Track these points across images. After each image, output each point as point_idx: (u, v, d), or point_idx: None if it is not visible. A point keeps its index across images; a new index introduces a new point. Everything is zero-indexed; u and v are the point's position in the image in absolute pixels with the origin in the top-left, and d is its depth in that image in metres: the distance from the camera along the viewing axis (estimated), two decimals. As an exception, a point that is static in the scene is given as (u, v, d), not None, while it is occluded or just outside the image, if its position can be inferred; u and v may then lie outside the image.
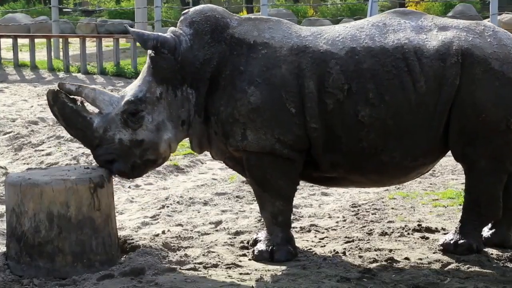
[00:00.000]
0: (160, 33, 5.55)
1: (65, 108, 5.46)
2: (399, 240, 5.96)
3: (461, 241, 5.52)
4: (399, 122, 5.32)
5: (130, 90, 5.54)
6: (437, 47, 5.37)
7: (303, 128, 5.36)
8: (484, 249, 5.66)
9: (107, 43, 20.89)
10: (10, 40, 19.75)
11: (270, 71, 5.39)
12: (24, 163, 8.96)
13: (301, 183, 8.16)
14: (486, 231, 5.80)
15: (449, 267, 5.30)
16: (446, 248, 5.57)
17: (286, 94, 5.35)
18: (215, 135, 5.50)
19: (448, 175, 8.67)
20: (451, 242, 5.56)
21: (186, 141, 5.96)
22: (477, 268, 5.27)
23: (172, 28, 5.63)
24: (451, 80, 5.32)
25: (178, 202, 7.32)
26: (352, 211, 6.89)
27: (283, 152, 5.38)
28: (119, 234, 5.71)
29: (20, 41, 19.94)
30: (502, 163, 5.44)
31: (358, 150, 5.38)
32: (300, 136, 5.37)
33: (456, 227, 5.66)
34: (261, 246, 5.52)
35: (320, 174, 5.62)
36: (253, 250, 5.55)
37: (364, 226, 6.36)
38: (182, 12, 5.75)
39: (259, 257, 5.46)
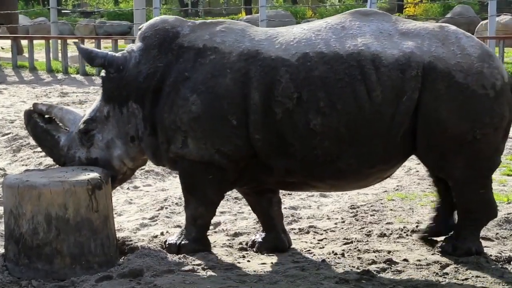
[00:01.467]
0: (110, 52, 5.64)
1: (37, 128, 5.74)
2: (397, 242, 5.96)
3: (460, 244, 5.51)
4: (353, 131, 5.21)
5: (89, 108, 5.69)
6: (397, 57, 5.21)
7: (245, 139, 5.29)
8: (483, 251, 5.66)
9: (106, 44, 20.90)
10: (9, 41, 19.75)
11: (215, 79, 5.30)
12: (23, 165, 8.95)
13: (300, 184, 8.18)
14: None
15: (448, 268, 5.29)
16: (446, 251, 5.57)
17: (228, 105, 5.26)
18: (161, 145, 5.46)
19: (446, 176, 8.66)
20: (450, 245, 5.55)
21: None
22: (475, 270, 5.27)
23: (130, 45, 5.70)
24: (409, 93, 5.18)
25: (176, 204, 7.30)
26: (351, 213, 6.89)
27: (222, 162, 5.35)
28: (117, 235, 5.71)
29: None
30: (477, 171, 5.37)
31: (313, 157, 5.28)
32: (241, 146, 5.31)
33: (454, 231, 5.66)
34: (172, 239, 5.61)
35: (278, 179, 5.53)
36: (165, 241, 5.65)
37: (363, 228, 6.36)
38: (138, 28, 5.79)
39: (168, 250, 5.54)
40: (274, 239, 5.73)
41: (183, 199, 7.36)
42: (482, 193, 5.43)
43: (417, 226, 6.29)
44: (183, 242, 5.54)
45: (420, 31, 5.36)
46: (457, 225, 5.61)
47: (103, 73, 5.58)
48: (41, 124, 5.71)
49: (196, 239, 5.57)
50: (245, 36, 5.45)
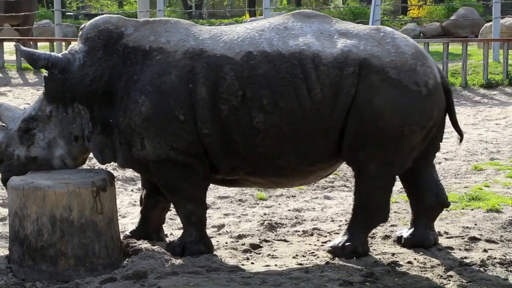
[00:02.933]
0: (53, 53, 5.61)
1: None
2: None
3: (347, 243, 5.55)
4: (294, 129, 5.31)
5: (30, 107, 5.67)
6: (336, 55, 5.34)
7: (195, 134, 5.35)
8: (488, 254, 5.65)
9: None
10: (13, 44, 19.79)
11: (161, 78, 5.36)
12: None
13: (304, 187, 8.19)
14: (405, 232, 5.90)
15: (452, 271, 5.29)
16: (334, 251, 5.58)
17: (175, 101, 5.32)
18: (120, 145, 5.50)
19: (450, 178, 8.66)
20: (339, 245, 5.59)
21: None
22: (480, 272, 5.26)
23: (71, 46, 5.68)
24: (346, 89, 5.30)
25: (180, 206, 7.31)
26: (355, 215, 6.87)
27: (179, 159, 5.39)
28: (121, 237, 5.71)
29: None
30: (391, 167, 5.47)
31: (256, 155, 5.39)
32: (192, 142, 5.36)
33: (344, 230, 5.70)
34: (175, 242, 5.62)
35: (222, 177, 5.63)
36: (168, 243, 5.67)
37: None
38: (80, 28, 5.75)
39: (172, 252, 5.55)
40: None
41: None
42: (383, 192, 5.54)
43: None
44: (186, 244, 5.56)
45: (359, 32, 5.51)
46: (349, 222, 5.69)
47: (46, 73, 5.57)
48: None
49: (197, 239, 5.58)
50: (189, 35, 5.51)
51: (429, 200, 5.77)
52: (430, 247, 5.80)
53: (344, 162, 5.69)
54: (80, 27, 5.71)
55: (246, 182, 5.72)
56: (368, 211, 5.55)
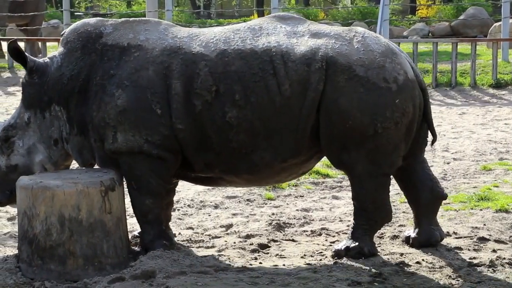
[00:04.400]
0: (36, 59, 5.66)
1: None
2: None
3: (352, 245, 5.53)
4: (265, 124, 5.38)
5: (10, 116, 5.70)
6: (304, 52, 5.40)
7: (170, 129, 5.41)
8: (497, 254, 5.64)
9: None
10: (22, 44, 19.86)
11: (138, 73, 5.45)
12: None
13: (312, 186, 8.19)
14: (412, 232, 5.89)
15: (461, 271, 5.27)
16: (338, 254, 5.55)
17: (152, 95, 5.40)
18: (94, 143, 5.54)
19: (459, 179, 8.64)
20: (343, 247, 5.56)
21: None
22: (489, 273, 5.25)
23: (52, 53, 5.73)
24: (315, 85, 5.34)
25: (188, 205, 7.33)
26: (363, 215, 6.86)
27: (153, 152, 5.43)
28: (130, 237, 5.72)
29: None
30: (378, 166, 5.45)
31: (229, 151, 5.45)
32: (168, 136, 5.42)
33: (348, 234, 5.66)
34: (141, 246, 5.61)
35: (196, 175, 5.67)
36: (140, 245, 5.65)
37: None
38: (61, 33, 5.82)
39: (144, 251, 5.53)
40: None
41: (195, 200, 7.46)
42: (379, 192, 5.51)
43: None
44: (147, 245, 5.54)
45: (330, 32, 5.56)
46: (352, 225, 5.66)
47: (23, 79, 5.64)
48: None
49: (156, 236, 5.56)
50: (168, 34, 5.62)
51: (425, 197, 5.76)
52: (438, 243, 5.79)
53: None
54: (61, 33, 5.78)
55: (220, 180, 5.74)
56: (368, 213, 5.53)
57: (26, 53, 5.63)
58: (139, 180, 5.51)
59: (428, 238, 5.79)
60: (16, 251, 5.49)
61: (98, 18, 5.81)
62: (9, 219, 6.77)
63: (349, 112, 5.32)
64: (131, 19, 5.82)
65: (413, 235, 5.87)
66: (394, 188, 8.02)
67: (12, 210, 6.86)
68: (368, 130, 5.34)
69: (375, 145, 5.38)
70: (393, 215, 6.80)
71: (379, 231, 6.26)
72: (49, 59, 5.66)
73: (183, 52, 5.48)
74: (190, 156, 5.50)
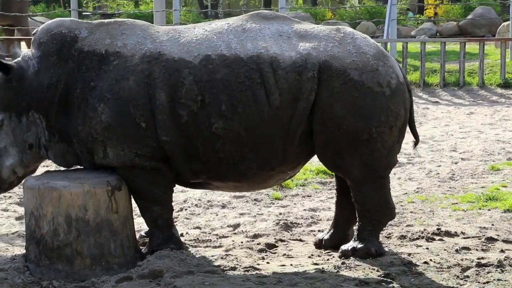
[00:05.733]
0: (11, 63, 5.39)
1: None
2: (418, 244, 5.93)
3: (359, 246, 5.48)
4: (253, 134, 5.23)
5: None
6: (294, 59, 5.24)
7: (157, 140, 5.24)
8: (505, 254, 5.62)
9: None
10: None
11: (119, 84, 5.21)
12: (43, 165, 9.01)
13: (320, 186, 8.18)
14: (325, 233, 5.85)
15: (469, 271, 5.25)
16: (345, 255, 5.50)
17: (134, 108, 5.19)
18: (81, 154, 5.39)
19: (467, 178, 8.61)
20: (350, 248, 5.51)
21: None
22: (497, 273, 5.23)
23: (24, 52, 5.52)
24: (306, 94, 5.22)
25: (196, 205, 7.33)
26: (371, 215, 6.85)
27: (145, 165, 5.29)
28: (137, 236, 5.72)
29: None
30: (374, 170, 5.39)
31: (216, 160, 5.30)
32: (157, 148, 5.26)
33: (354, 236, 5.61)
34: (147, 247, 5.53)
35: (185, 179, 5.55)
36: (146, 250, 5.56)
37: (383, 230, 6.32)
38: (32, 32, 5.55)
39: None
40: None
41: (202, 200, 7.46)
42: (378, 193, 5.45)
43: (437, 229, 6.25)
44: (154, 248, 5.46)
45: (318, 33, 5.41)
46: (357, 227, 5.59)
47: None
48: None
49: (165, 240, 5.49)
50: (146, 38, 5.37)
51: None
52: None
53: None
54: (33, 32, 5.53)
55: (208, 185, 5.64)
56: (371, 214, 5.49)
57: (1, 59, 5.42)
58: (142, 191, 5.41)
59: (338, 242, 5.69)
60: (24, 251, 5.49)
61: (72, 18, 5.54)
62: (17, 219, 6.78)
63: (344, 118, 5.23)
64: (105, 20, 5.54)
65: (326, 237, 5.83)
66: (402, 188, 8.02)
67: (20, 210, 6.88)
68: (362, 134, 5.27)
69: (370, 149, 5.32)
70: (400, 215, 6.81)
71: (386, 231, 6.26)
72: (23, 61, 5.39)
73: (165, 58, 5.24)
74: (177, 165, 5.35)
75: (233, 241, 6.09)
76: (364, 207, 5.48)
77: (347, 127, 5.24)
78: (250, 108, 5.20)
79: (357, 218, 5.58)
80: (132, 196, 5.50)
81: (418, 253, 5.68)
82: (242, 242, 6.03)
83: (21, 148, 5.44)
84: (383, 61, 5.38)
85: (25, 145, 5.43)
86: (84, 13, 33.91)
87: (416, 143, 5.83)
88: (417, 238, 6.06)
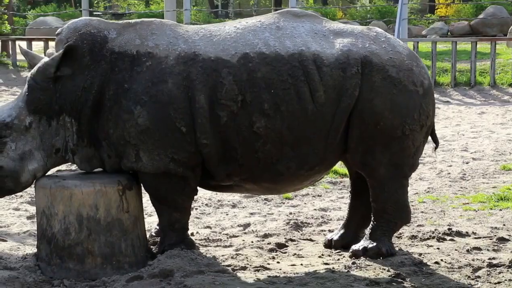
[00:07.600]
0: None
1: None
2: (428, 244, 5.91)
3: (370, 245, 5.46)
4: (295, 132, 5.19)
5: (4, 111, 5.25)
6: (336, 56, 5.25)
7: (195, 145, 5.16)
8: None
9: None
10: (41, 43, 20.00)
11: (156, 87, 5.10)
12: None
13: (330, 186, 8.17)
14: (335, 234, 5.84)
15: (480, 272, 5.24)
16: (356, 254, 5.48)
17: (175, 112, 5.10)
18: (108, 159, 5.27)
19: (479, 178, 8.59)
20: (361, 247, 5.49)
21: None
22: (508, 273, 5.21)
23: (49, 51, 5.33)
24: (350, 91, 5.23)
25: (206, 205, 7.33)
26: (381, 215, 6.83)
27: (178, 171, 5.22)
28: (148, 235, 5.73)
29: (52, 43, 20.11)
30: (400, 169, 5.41)
31: (254, 161, 5.24)
32: (194, 153, 5.19)
33: (366, 235, 5.59)
34: (159, 248, 5.48)
35: (216, 183, 5.48)
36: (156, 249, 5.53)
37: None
38: (56, 32, 5.32)
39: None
40: None
41: (213, 200, 7.46)
42: (399, 194, 5.45)
43: (448, 229, 6.24)
44: (166, 247, 5.41)
45: (352, 30, 5.46)
46: (371, 226, 5.57)
47: (31, 80, 5.20)
48: None
49: (178, 241, 5.45)
50: (178, 38, 5.28)
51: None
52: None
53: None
54: (57, 32, 5.33)
55: (240, 188, 5.57)
56: (389, 215, 5.49)
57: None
58: (165, 198, 5.36)
59: (349, 243, 5.68)
60: (35, 250, 5.51)
61: (98, 18, 5.41)
62: (29, 218, 6.81)
63: (382, 113, 5.26)
64: (132, 21, 5.40)
65: (335, 237, 5.82)
66: (413, 188, 8.00)
67: (31, 209, 6.90)
68: (397, 132, 5.30)
69: (401, 147, 5.34)
70: (411, 215, 6.79)
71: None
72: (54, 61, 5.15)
73: (201, 59, 5.15)
74: (211, 167, 5.29)
75: (243, 240, 6.09)
76: (384, 206, 5.46)
77: (384, 123, 5.27)
78: (293, 106, 5.17)
79: (372, 218, 5.56)
80: (151, 200, 5.47)
81: (429, 253, 5.67)
82: (252, 242, 6.03)
83: (48, 153, 5.27)
84: (416, 61, 5.47)
85: (53, 149, 5.28)
86: (95, 13, 33.98)
87: (436, 147, 5.87)
88: (428, 238, 6.05)
